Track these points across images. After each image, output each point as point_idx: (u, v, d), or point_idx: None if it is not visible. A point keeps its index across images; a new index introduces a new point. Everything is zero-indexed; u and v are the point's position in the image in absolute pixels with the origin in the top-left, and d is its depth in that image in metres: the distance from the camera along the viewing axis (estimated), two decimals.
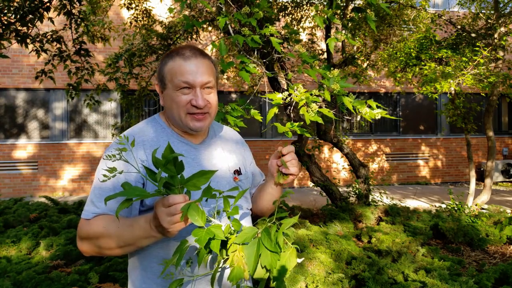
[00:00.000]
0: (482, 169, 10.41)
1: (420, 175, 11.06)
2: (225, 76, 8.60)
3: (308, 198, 7.85)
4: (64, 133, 9.52)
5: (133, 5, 6.80)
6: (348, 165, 6.19)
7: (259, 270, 0.98)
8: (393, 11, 6.49)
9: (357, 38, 6.61)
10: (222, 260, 1.02)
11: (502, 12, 6.40)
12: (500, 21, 6.13)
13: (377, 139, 10.87)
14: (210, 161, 1.29)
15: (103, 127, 9.75)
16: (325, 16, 2.06)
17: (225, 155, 1.35)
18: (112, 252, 1.15)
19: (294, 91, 1.69)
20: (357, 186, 5.75)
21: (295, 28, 7.25)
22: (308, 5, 6.98)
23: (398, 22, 6.77)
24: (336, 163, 10.53)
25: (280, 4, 6.96)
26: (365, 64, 7.21)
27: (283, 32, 4.36)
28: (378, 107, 1.69)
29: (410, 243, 3.99)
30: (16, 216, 5.21)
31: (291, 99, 1.71)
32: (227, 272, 1.16)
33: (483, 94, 6.52)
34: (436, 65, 5.69)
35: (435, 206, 6.77)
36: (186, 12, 6.58)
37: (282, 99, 1.67)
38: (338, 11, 5.19)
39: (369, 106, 1.68)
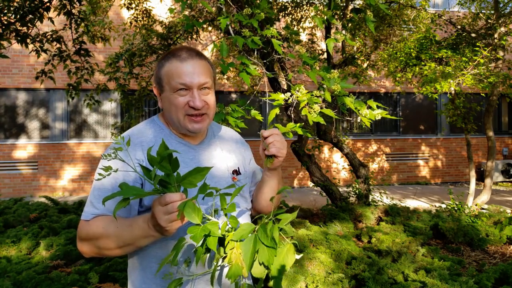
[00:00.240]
0: (482, 169, 10.41)
1: (420, 175, 11.06)
2: (225, 76, 8.61)
3: (308, 198, 7.85)
4: (64, 133, 9.52)
5: (133, 5, 6.80)
6: (348, 165, 6.19)
7: (257, 267, 0.98)
8: (393, 11, 6.49)
9: (357, 38, 6.61)
10: (221, 258, 1.02)
11: (502, 12, 6.41)
12: (500, 21, 6.13)
13: (377, 139, 10.87)
14: (208, 161, 1.30)
15: (103, 127, 9.75)
16: (325, 17, 2.06)
17: (224, 155, 1.35)
18: (112, 252, 1.16)
19: (296, 92, 1.69)
20: (357, 186, 5.75)
21: (295, 28, 7.25)
22: (308, 5, 6.98)
23: (398, 22, 6.77)
24: (336, 163, 10.53)
25: (280, 4, 6.96)
26: (365, 64, 7.21)
27: (283, 33, 4.36)
28: (378, 107, 1.69)
29: (410, 243, 3.99)
30: (16, 216, 5.21)
31: (292, 100, 1.71)
32: (226, 270, 1.16)
33: (483, 94, 6.52)
34: (436, 65, 5.69)
35: (435, 206, 6.77)
36: (186, 12, 6.58)
37: (284, 100, 1.67)
38: (338, 12, 5.19)
39: (369, 107, 1.68)
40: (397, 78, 6.65)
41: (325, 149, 10.39)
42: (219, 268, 1.10)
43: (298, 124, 1.56)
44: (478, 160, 11.08)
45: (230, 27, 2.11)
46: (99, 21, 6.43)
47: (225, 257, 1.01)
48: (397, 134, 11.05)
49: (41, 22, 4.81)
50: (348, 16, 4.84)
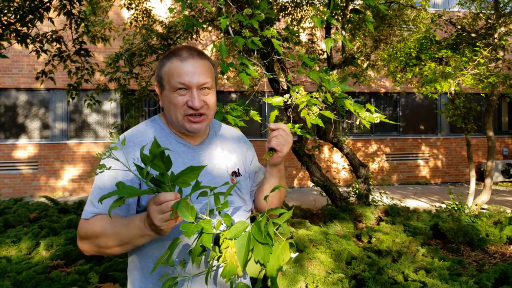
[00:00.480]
0: (482, 169, 10.41)
1: (420, 175, 11.06)
2: (225, 76, 8.61)
3: (308, 198, 7.85)
4: (64, 133, 9.52)
5: (133, 5, 6.81)
6: (348, 165, 6.19)
7: (252, 266, 0.97)
8: (393, 11, 6.49)
9: (357, 38, 6.61)
10: (216, 258, 1.02)
11: (502, 12, 6.41)
12: (500, 21, 6.13)
13: (377, 139, 10.87)
14: (208, 162, 1.29)
15: (103, 127, 9.75)
16: (324, 17, 2.06)
17: (224, 155, 1.34)
18: (111, 251, 1.17)
19: (295, 93, 1.69)
20: (357, 186, 5.75)
21: (295, 28, 7.25)
22: (308, 5, 6.98)
23: (398, 22, 6.77)
24: (336, 163, 10.54)
25: (280, 4, 6.96)
26: (365, 64, 7.21)
27: (283, 33, 4.36)
28: (376, 111, 1.69)
29: (410, 243, 3.99)
30: (16, 216, 5.21)
31: (292, 101, 1.71)
32: (221, 270, 1.16)
33: (483, 94, 6.52)
34: (436, 65, 5.69)
35: (435, 206, 6.77)
36: (186, 12, 6.58)
37: (283, 101, 1.67)
38: (338, 12, 5.19)
39: (368, 110, 1.68)
40: (397, 78, 6.65)
41: (325, 149, 10.40)
42: (214, 267, 1.10)
43: (297, 125, 1.56)
44: (478, 160, 11.08)
45: (230, 28, 2.11)
46: (99, 21, 6.44)
47: (220, 256, 1.01)
48: (397, 134, 11.05)
49: (41, 22, 4.81)
50: (348, 16, 4.84)
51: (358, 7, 4.87)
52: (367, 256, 3.61)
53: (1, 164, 9.16)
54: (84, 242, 1.20)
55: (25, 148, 9.29)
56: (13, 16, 4.61)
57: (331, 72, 1.70)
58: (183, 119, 1.22)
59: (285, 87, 4.63)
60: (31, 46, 5.10)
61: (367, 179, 5.75)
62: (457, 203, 5.83)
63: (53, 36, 5.26)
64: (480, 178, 9.98)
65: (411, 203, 7.48)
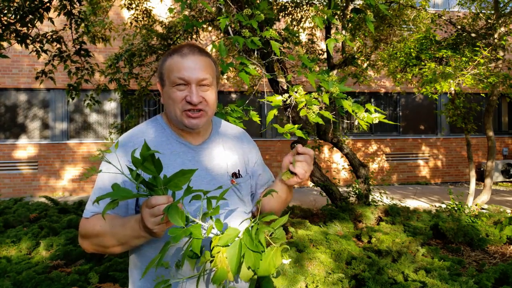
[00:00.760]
0: (482, 169, 10.41)
1: (420, 175, 11.06)
2: (225, 76, 8.61)
3: (308, 198, 7.85)
4: (64, 133, 9.52)
5: (133, 5, 6.81)
6: (348, 165, 6.19)
7: (245, 271, 0.97)
8: (393, 11, 6.49)
9: (357, 38, 6.61)
10: (207, 262, 1.02)
11: (502, 12, 6.41)
12: (500, 21, 6.13)
13: (377, 139, 10.87)
14: (208, 162, 1.28)
15: (103, 127, 9.76)
16: (325, 17, 2.06)
17: (226, 155, 1.33)
18: (111, 250, 1.18)
19: (294, 93, 1.69)
20: (357, 186, 5.75)
21: (295, 28, 7.25)
22: (308, 5, 6.98)
23: (398, 22, 6.77)
24: (336, 163, 10.53)
25: (280, 4, 6.96)
26: (365, 64, 7.21)
27: (283, 33, 4.36)
28: (376, 110, 1.69)
29: (410, 243, 3.99)
30: (16, 216, 5.21)
31: (291, 100, 1.71)
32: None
33: (483, 94, 6.52)
34: (436, 65, 5.69)
35: (435, 206, 6.77)
36: (186, 12, 6.58)
37: (282, 101, 1.67)
38: (338, 12, 5.19)
39: (367, 110, 1.68)
40: (397, 78, 6.65)
41: (325, 149, 10.39)
42: (207, 272, 1.10)
43: (296, 126, 1.55)
44: (478, 160, 11.08)
45: (229, 28, 2.11)
46: (100, 21, 6.44)
47: (212, 261, 1.00)
48: (397, 134, 11.05)
49: (41, 22, 4.81)
50: (348, 16, 4.84)
51: (358, 6, 4.87)
52: (367, 256, 3.61)
53: (1, 164, 9.16)
54: (84, 240, 1.22)
55: (25, 148, 9.29)
56: (13, 16, 4.61)
57: (331, 73, 1.70)
58: (182, 114, 1.21)
59: (284, 87, 4.63)
60: (31, 46, 5.10)
61: (367, 179, 5.75)
62: (457, 203, 5.83)
63: (53, 36, 5.26)
64: (480, 178, 9.98)
65: (411, 203, 7.48)
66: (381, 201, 5.88)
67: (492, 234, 4.52)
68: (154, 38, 6.75)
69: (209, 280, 1.19)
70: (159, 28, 7.27)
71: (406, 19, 6.87)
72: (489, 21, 6.38)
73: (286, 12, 7.05)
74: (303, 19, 7.33)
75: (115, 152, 1.11)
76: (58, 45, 5.37)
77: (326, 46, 5.61)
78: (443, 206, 6.34)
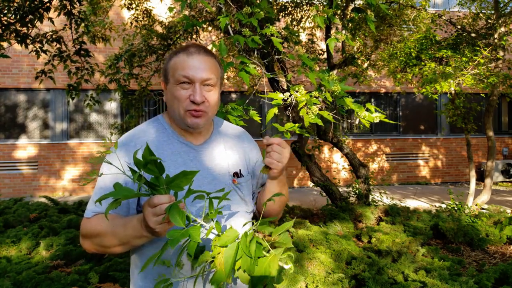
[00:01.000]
0: (482, 169, 10.41)
1: (420, 175, 11.06)
2: (225, 76, 8.60)
3: (308, 198, 7.85)
4: (64, 133, 9.52)
5: (133, 5, 6.81)
6: (348, 165, 6.19)
7: (242, 274, 0.97)
8: (393, 11, 6.49)
9: (357, 38, 6.61)
10: (207, 262, 1.02)
11: (502, 12, 6.41)
12: (500, 21, 6.13)
13: (377, 139, 10.87)
14: (209, 162, 1.28)
15: (104, 127, 9.75)
16: (325, 16, 2.05)
17: (227, 154, 1.33)
18: (112, 250, 1.17)
19: (295, 92, 1.69)
20: (357, 186, 5.75)
21: (295, 28, 7.25)
22: (308, 5, 6.98)
23: (398, 22, 6.77)
24: (336, 163, 10.53)
25: (280, 4, 6.96)
26: (366, 64, 7.22)
27: (283, 33, 4.36)
28: (376, 110, 1.69)
29: (410, 243, 3.99)
30: (16, 216, 5.21)
31: (291, 100, 1.71)
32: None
33: (483, 94, 6.53)
34: (436, 65, 5.69)
35: (435, 206, 6.77)
36: (186, 12, 6.58)
37: (283, 100, 1.67)
38: (338, 12, 5.19)
39: (368, 110, 1.68)
40: (397, 78, 6.65)
41: (325, 149, 10.39)
42: (206, 272, 1.10)
43: (297, 124, 1.55)
44: (478, 160, 11.08)
45: (229, 27, 2.11)
46: (100, 21, 6.44)
47: (212, 262, 1.00)
48: (397, 134, 11.05)
49: (41, 22, 4.81)
50: (348, 16, 4.84)
51: (359, 6, 4.86)
52: (367, 256, 3.61)
53: (1, 164, 9.16)
54: (86, 240, 1.22)
55: (25, 148, 9.29)
56: (13, 16, 4.61)
57: (331, 73, 1.70)
58: (185, 113, 1.22)
59: (285, 87, 4.64)
60: (31, 46, 5.10)
61: (367, 179, 5.75)
62: (457, 203, 5.83)
63: (53, 36, 5.26)
64: (480, 178, 9.98)
65: (411, 203, 7.48)
66: (381, 201, 5.88)
67: (492, 234, 4.52)
68: (154, 38, 6.74)
69: (208, 281, 1.19)
70: (159, 28, 7.27)
71: (406, 19, 6.87)
72: (489, 21, 6.39)
73: (286, 12, 7.05)
74: (303, 19, 7.33)
75: (115, 152, 1.11)
76: (58, 45, 5.37)
77: (327, 46, 5.61)
78: (443, 206, 6.33)
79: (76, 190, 9.46)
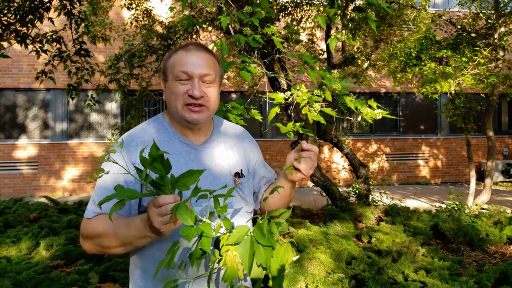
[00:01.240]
0: (482, 169, 10.41)
1: (420, 175, 11.06)
2: (225, 76, 8.61)
3: (308, 198, 7.85)
4: (64, 133, 9.52)
5: (134, 5, 6.81)
6: (348, 165, 6.19)
7: (255, 269, 0.97)
8: (393, 11, 6.49)
9: (357, 38, 6.61)
10: (216, 261, 1.02)
11: (502, 12, 6.41)
12: (500, 21, 6.13)
13: (377, 139, 10.87)
14: (210, 162, 1.28)
15: (104, 127, 9.75)
16: (327, 16, 2.05)
17: (227, 154, 1.32)
18: (113, 251, 1.17)
19: (297, 91, 1.68)
20: (357, 186, 5.75)
21: (295, 28, 7.25)
22: (308, 5, 6.99)
23: (398, 22, 6.77)
24: (336, 163, 10.53)
25: (280, 4, 6.96)
26: (366, 64, 7.22)
27: (283, 32, 4.36)
28: (378, 107, 1.69)
29: (410, 243, 3.99)
30: (16, 216, 5.21)
31: (292, 99, 1.71)
32: (222, 272, 1.16)
33: (483, 94, 6.53)
34: (436, 65, 5.69)
35: (435, 206, 6.77)
36: (186, 12, 6.58)
37: (284, 99, 1.67)
38: (339, 12, 5.19)
39: (370, 106, 1.68)
40: (397, 78, 6.65)
41: (325, 149, 10.39)
42: (215, 271, 1.10)
43: (298, 124, 1.55)
44: (478, 160, 11.08)
45: (230, 27, 2.11)
46: (100, 21, 6.44)
47: (220, 260, 1.00)
48: (397, 134, 11.05)
49: (41, 22, 4.81)
50: (348, 16, 4.85)
51: (359, 6, 4.86)
52: (367, 256, 3.60)
53: (1, 164, 9.16)
54: (86, 241, 1.20)
55: (25, 148, 9.29)
56: (13, 16, 4.60)
57: (332, 71, 1.70)
58: (183, 108, 1.21)
59: (285, 87, 4.64)
60: (31, 46, 5.10)
61: (367, 179, 5.75)
62: (457, 203, 5.83)
63: (53, 36, 5.26)
64: (480, 178, 9.98)
65: (411, 203, 7.48)
66: (381, 201, 5.88)
67: (492, 234, 4.52)
68: (154, 38, 6.74)
69: (217, 280, 1.18)
70: (159, 28, 7.27)
71: (406, 19, 6.88)
72: (489, 21, 6.39)
73: (286, 12, 7.05)
74: (303, 19, 7.33)
75: (120, 151, 1.10)
76: (58, 45, 5.36)
77: (327, 46, 5.62)
78: (443, 206, 6.33)
79: (76, 190, 9.46)
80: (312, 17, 7.31)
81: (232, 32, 2.08)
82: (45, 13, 4.77)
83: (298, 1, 6.86)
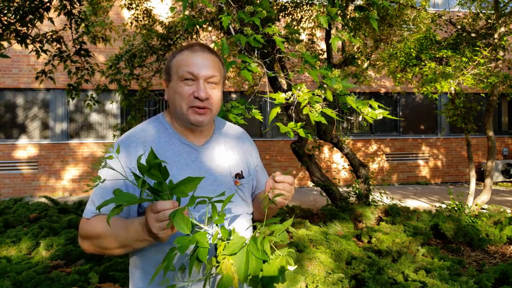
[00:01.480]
0: (482, 169, 10.41)
1: (420, 175, 11.06)
2: None
3: (308, 198, 7.85)
4: (64, 133, 9.52)
5: (134, 5, 6.80)
6: (348, 165, 6.19)
7: (251, 278, 0.97)
8: (393, 11, 6.49)
9: (357, 38, 6.61)
10: (213, 268, 1.01)
11: (502, 12, 6.41)
12: (500, 21, 6.13)
13: (377, 139, 10.87)
14: (211, 163, 1.27)
15: (104, 127, 9.75)
16: (328, 15, 2.05)
17: (228, 155, 1.32)
18: (111, 252, 1.16)
19: (297, 91, 1.68)
20: (357, 186, 5.75)
21: (295, 28, 7.25)
22: (308, 5, 6.98)
23: (398, 22, 6.77)
24: (336, 163, 10.53)
25: (280, 4, 6.96)
26: (366, 64, 7.22)
27: (283, 32, 4.36)
28: (379, 107, 1.69)
29: (410, 243, 3.99)
30: (16, 216, 5.21)
31: (294, 99, 1.70)
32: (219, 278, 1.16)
33: (483, 94, 6.53)
34: (436, 65, 5.69)
35: (435, 206, 6.77)
36: (187, 12, 6.58)
37: (285, 99, 1.66)
38: (339, 12, 5.19)
39: (371, 106, 1.68)
40: (397, 78, 6.65)
41: (325, 149, 10.39)
42: (212, 277, 1.10)
43: (299, 124, 1.55)
44: (478, 160, 11.08)
45: (230, 26, 2.10)
46: (100, 21, 6.43)
47: (217, 267, 1.00)
48: (397, 134, 11.05)
49: (41, 22, 4.81)
50: (348, 16, 4.85)
51: (361, 5, 4.87)
52: (367, 256, 3.60)
53: (1, 164, 9.15)
54: (85, 241, 1.20)
55: (25, 148, 9.28)
56: (13, 16, 4.60)
57: (333, 69, 1.70)
58: (188, 110, 1.20)
59: (285, 87, 4.64)
60: (31, 46, 5.09)
61: (367, 179, 5.75)
62: (457, 203, 5.83)
63: (53, 36, 5.26)
64: (480, 178, 9.98)
65: (411, 203, 7.48)
66: (381, 201, 5.88)
67: (492, 234, 4.52)
68: (155, 38, 6.74)
69: (213, 285, 1.18)
70: (159, 28, 7.26)
71: (406, 19, 6.88)
72: (489, 21, 6.39)
73: (286, 12, 7.05)
74: (303, 19, 7.33)
75: (117, 157, 1.10)
76: (58, 45, 5.36)
77: (327, 46, 5.61)
78: (443, 206, 6.34)
79: (76, 190, 9.46)
80: (313, 17, 7.31)
81: (233, 32, 2.08)
82: (45, 13, 4.77)
83: (298, 1, 6.86)
